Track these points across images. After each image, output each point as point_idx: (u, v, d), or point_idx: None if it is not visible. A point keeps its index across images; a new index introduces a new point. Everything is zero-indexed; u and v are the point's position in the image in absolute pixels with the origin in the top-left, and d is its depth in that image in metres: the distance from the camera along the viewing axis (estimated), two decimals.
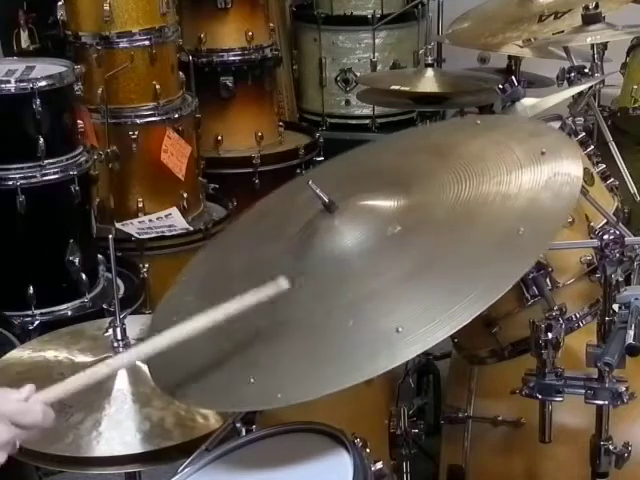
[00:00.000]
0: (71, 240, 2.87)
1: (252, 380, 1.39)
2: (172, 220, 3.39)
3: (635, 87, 3.24)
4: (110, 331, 1.78)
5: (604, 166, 2.21)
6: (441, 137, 1.88)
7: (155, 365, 1.55)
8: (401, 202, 1.56)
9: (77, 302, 2.91)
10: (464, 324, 1.32)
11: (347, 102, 4.59)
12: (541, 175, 1.52)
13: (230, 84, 3.91)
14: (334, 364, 1.37)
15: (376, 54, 4.52)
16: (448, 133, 1.92)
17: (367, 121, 4.57)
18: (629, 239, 1.67)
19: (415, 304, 1.38)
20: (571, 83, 2.48)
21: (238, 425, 1.61)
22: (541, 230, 1.45)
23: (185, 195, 3.46)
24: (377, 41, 4.51)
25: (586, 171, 2.02)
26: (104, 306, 2.87)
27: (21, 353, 1.91)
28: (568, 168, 1.53)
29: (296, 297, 1.47)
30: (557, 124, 2.17)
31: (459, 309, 1.34)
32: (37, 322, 2.80)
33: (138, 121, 3.36)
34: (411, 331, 1.33)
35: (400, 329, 1.33)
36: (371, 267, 1.49)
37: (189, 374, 1.47)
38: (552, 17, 2.69)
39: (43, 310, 2.85)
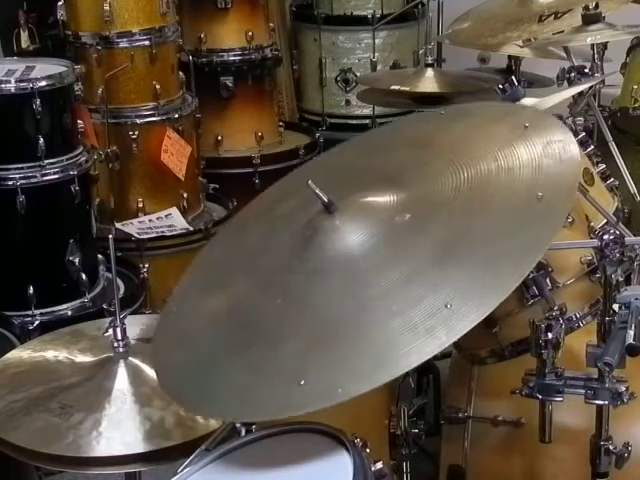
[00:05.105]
0: (71, 240, 2.86)
1: (302, 382, 1.34)
2: (172, 220, 3.39)
3: (635, 87, 3.24)
4: (110, 331, 1.78)
5: (604, 166, 2.21)
6: (413, 131, 1.85)
7: (191, 393, 1.50)
8: (400, 196, 1.54)
9: (77, 302, 2.91)
10: (518, 284, 1.33)
11: (347, 102, 4.59)
12: (535, 145, 1.52)
13: (230, 84, 3.91)
14: (392, 347, 1.32)
15: (376, 54, 4.51)
16: (418, 126, 1.89)
17: (367, 121, 4.56)
18: (629, 239, 1.66)
19: (459, 277, 1.36)
20: (571, 83, 2.48)
21: (238, 425, 1.60)
22: (559, 192, 1.43)
23: (185, 195, 3.46)
24: (377, 41, 4.51)
25: (586, 171, 2.02)
26: (104, 306, 2.86)
27: (21, 353, 1.90)
28: (558, 135, 1.53)
29: (322, 299, 1.44)
30: None
31: (509, 270, 1.33)
32: (37, 322, 2.80)
33: (138, 121, 3.36)
34: (462, 304, 1.31)
35: (449, 305, 1.31)
36: (393, 255, 1.45)
37: (231, 393, 1.44)
38: (552, 17, 2.69)
39: (43, 310, 2.84)
